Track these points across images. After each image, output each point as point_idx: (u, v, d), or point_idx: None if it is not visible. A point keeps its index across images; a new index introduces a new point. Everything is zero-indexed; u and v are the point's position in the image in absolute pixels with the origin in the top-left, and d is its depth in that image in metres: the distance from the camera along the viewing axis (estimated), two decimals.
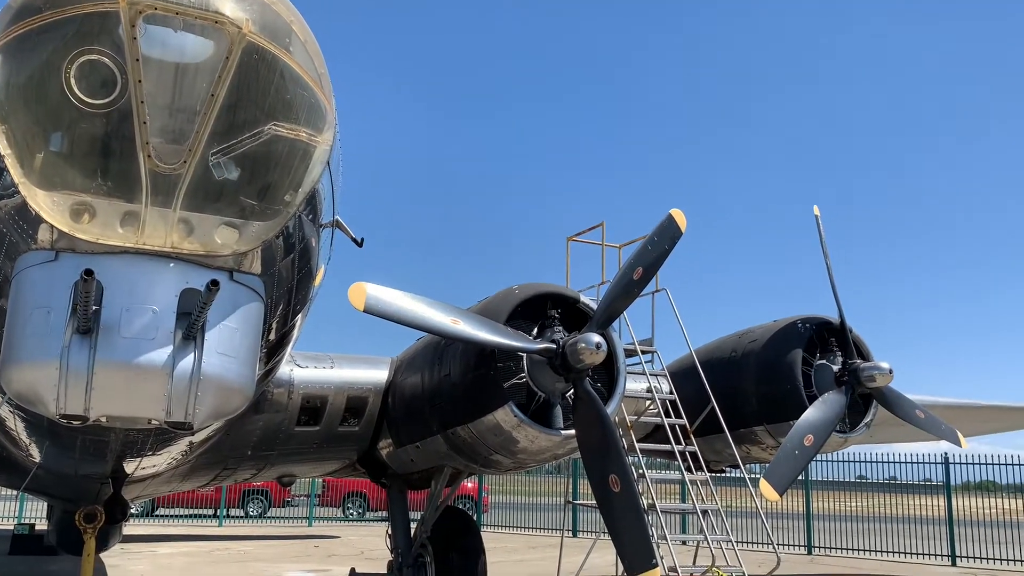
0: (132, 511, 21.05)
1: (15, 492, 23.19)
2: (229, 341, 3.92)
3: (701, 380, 9.39)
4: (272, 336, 5.12)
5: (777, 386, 9.19)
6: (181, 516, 26.74)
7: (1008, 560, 19.74)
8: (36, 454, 6.73)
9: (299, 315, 5.28)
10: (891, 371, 8.83)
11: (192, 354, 3.71)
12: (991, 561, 19.87)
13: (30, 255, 3.67)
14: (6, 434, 6.60)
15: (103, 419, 3.85)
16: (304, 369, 8.68)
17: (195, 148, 3.84)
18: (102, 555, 11.64)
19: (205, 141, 3.84)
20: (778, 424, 9.21)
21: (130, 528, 20.85)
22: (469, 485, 28.19)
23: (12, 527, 18.91)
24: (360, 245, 5.22)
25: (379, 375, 9.08)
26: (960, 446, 9.65)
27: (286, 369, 8.45)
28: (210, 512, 27.02)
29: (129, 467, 6.77)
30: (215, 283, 3.55)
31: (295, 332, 5.56)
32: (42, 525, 17.92)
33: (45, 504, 17.78)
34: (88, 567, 5.62)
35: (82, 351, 3.48)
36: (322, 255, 4.99)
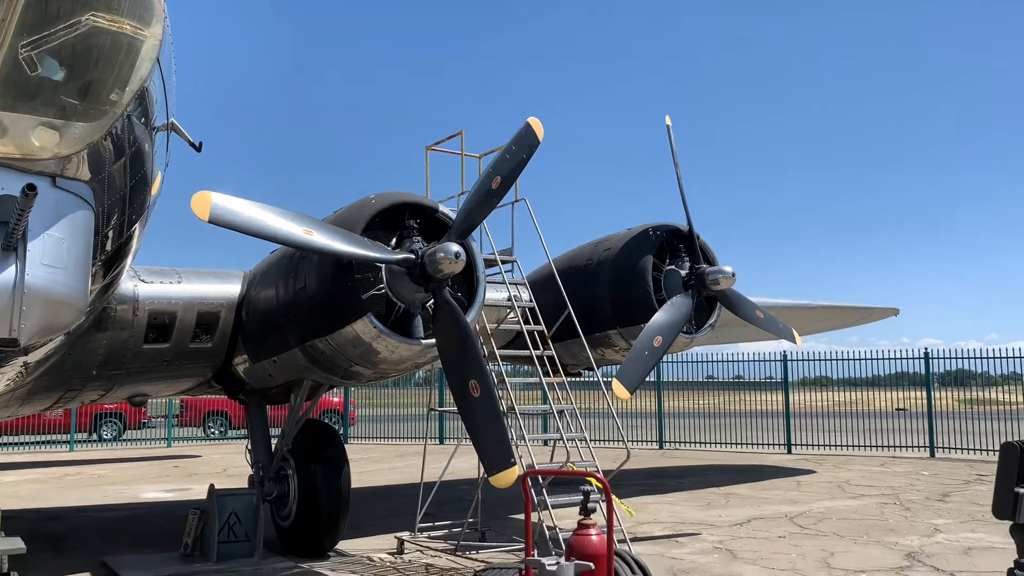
0: None
1: None
2: (55, 252, 3.65)
3: (559, 288, 9.61)
4: (108, 247, 4.83)
5: (629, 291, 9.56)
6: (27, 443, 25.39)
7: (835, 445, 21.79)
8: None
9: (136, 225, 4.98)
10: (733, 274, 9.34)
11: (13, 265, 3.44)
12: (822, 447, 21.86)
13: None
14: None
15: None
16: (149, 284, 8.27)
17: (2, 40, 3.48)
18: None
19: (13, 32, 3.48)
20: (630, 327, 9.61)
21: None
22: (335, 399, 28.14)
23: None
24: (199, 150, 4.94)
25: (231, 289, 8.78)
26: (796, 343, 10.40)
27: (129, 284, 8.04)
28: (60, 438, 25.78)
29: None
30: (32, 188, 3.27)
31: (134, 244, 5.26)
32: None
33: None
34: None
35: None
36: (158, 161, 4.70)
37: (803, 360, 22.84)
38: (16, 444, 25.32)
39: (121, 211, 4.59)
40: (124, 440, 27.50)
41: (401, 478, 16.53)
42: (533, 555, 3.56)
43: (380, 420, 28.13)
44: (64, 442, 25.51)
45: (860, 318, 18.12)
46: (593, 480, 4.09)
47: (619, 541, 3.92)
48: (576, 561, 3.45)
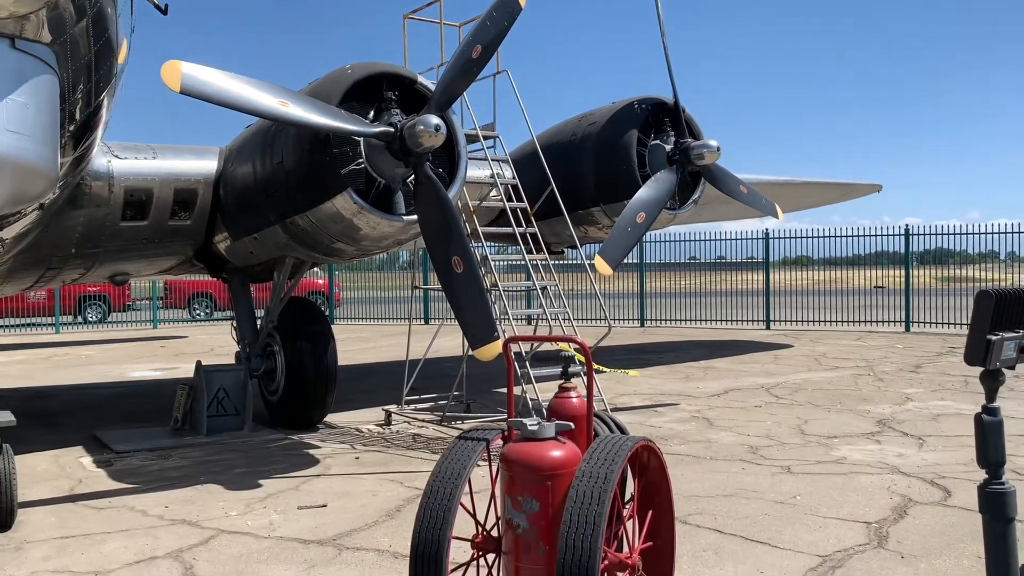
0: None
1: None
2: (20, 118, 3.53)
3: (542, 165, 9.50)
4: (76, 117, 4.68)
5: (613, 167, 9.47)
6: (12, 326, 25.48)
7: (813, 321, 22.25)
8: None
9: (104, 94, 4.81)
10: (718, 148, 9.25)
11: None
12: (799, 323, 22.33)
13: None
14: None
15: None
16: (124, 160, 8.09)
17: None
18: None
19: None
20: (613, 204, 9.58)
21: None
22: (320, 281, 28.23)
23: None
24: (164, 12, 4.72)
25: (207, 165, 8.61)
26: (778, 218, 10.42)
27: (103, 160, 7.86)
28: (45, 320, 25.86)
29: None
30: None
31: (102, 114, 5.10)
32: None
33: None
34: None
35: None
36: (122, 25, 4.49)
37: (784, 238, 22.99)
38: (2, 327, 25.40)
39: (87, 78, 4.42)
40: (109, 322, 27.62)
41: (387, 356, 16.80)
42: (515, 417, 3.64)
43: (365, 302, 28.33)
44: (49, 324, 25.60)
45: (843, 194, 18.14)
46: (568, 348, 4.16)
47: (599, 409, 4.05)
48: (557, 421, 3.52)
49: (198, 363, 9.32)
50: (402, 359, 10.62)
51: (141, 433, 9.03)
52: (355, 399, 11.15)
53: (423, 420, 9.45)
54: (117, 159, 8.03)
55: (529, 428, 3.45)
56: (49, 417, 10.43)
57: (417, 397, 10.10)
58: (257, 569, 4.91)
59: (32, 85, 3.61)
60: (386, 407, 9.79)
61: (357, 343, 19.88)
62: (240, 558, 5.10)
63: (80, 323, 27.06)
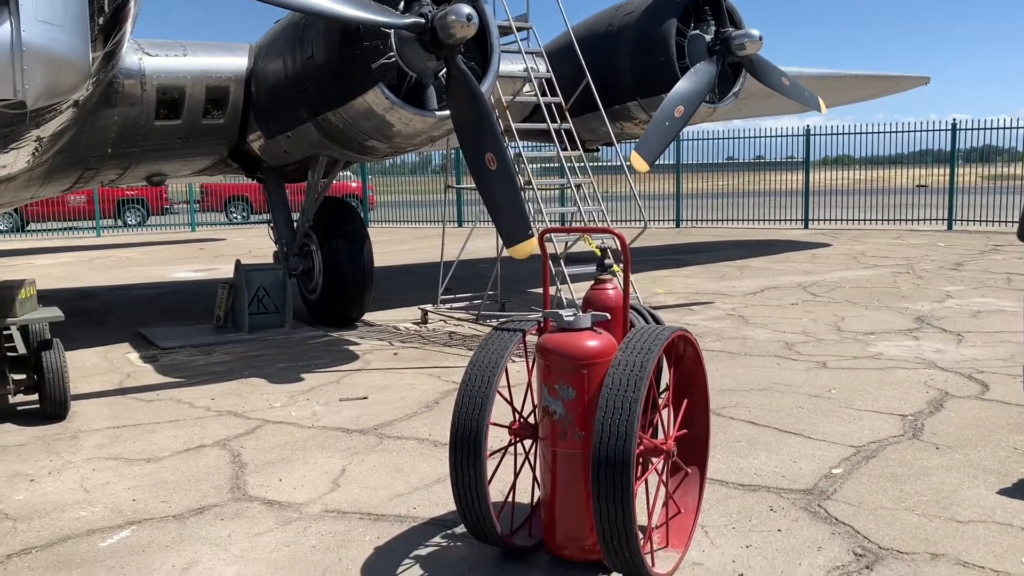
0: None
1: None
2: (49, 7, 3.48)
3: (577, 58, 9.24)
4: (105, 9, 4.61)
5: (651, 59, 9.18)
6: (55, 229, 25.99)
7: (850, 220, 21.89)
8: None
9: None
10: (761, 38, 8.90)
11: (8, 22, 3.30)
12: (838, 222, 21.97)
13: None
14: None
15: None
16: (154, 58, 8.02)
17: None
18: None
19: None
20: (651, 98, 9.33)
21: (0, 245, 20.23)
22: (354, 184, 28.23)
23: None
24: None
25: (238, 62, 8.50)
26: (820, 111, 10.10)
27: (134, 58, 7.80)
28: (86, 224, 26.32)
29: None
30: None
31: (131, 7, 5.01)
32: None
33: None
34: None
35: None
36: None
37: (826, 135, 22.38)
38: (44, 231, 25.92)
39: None
40: (148, 226, 28.04)
41: (422, 258, 16.90)
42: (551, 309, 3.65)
43: (399, 205, 28.34)
44: (90, 228, 26.06)
45: (888, 87, 17.48)
46: (594, 246, 4.11)
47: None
48: (592, 312, 3.53)
49: (238, 262, 9.45)
50: (436, 260, 10.67)
51: (185, 330, 9.27)
52: (391, 299, 11.28)
53: (458, 319, 9.56)
54: (148, 56, 7.96)
55: (565, 319, 3.47)
56: (94, 316, 10.72)
57: (452, 297, 10.19)
58: (302, 456, 5.08)
59: None
60: (422, 306, 9.90)
61: (391, 245, 20.00)
62: (285, 446, 5.28)
63: (120, 226, 27.49)
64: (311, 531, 3.99)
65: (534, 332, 3.70)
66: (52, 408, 5.92)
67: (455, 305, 10.04)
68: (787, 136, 22.81)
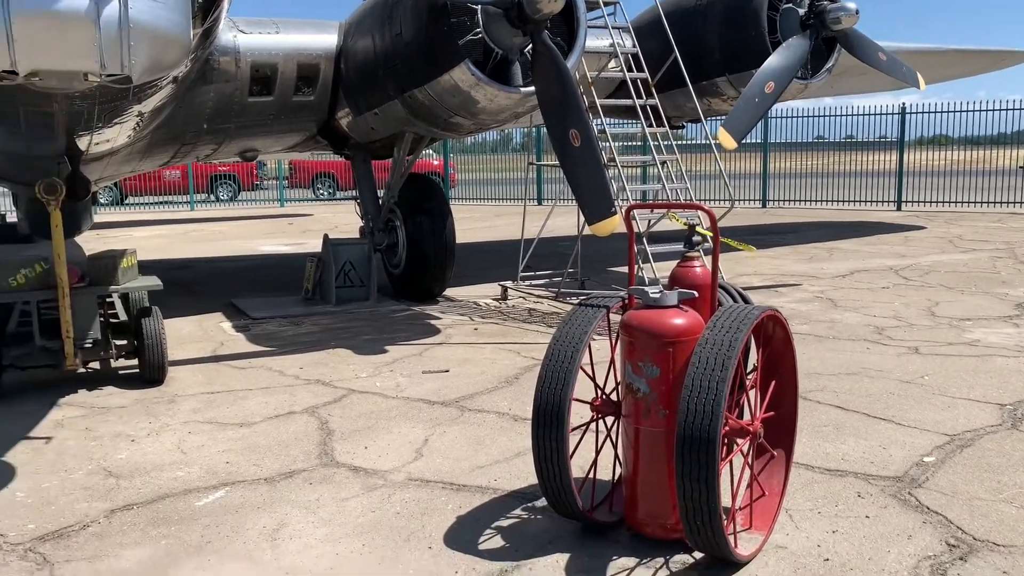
0: (100, 199, 21.16)
1: None
2: None
3: (664, 33, 9.08)
4: None
5: (741, 33, 8.94)
6: (151, 203, 27.05)
7: (946, 202, 20.99)
8: None
9: None
10: (857, 12, 8.56)
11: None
12: (933, 204, 21.10)
13: None
14: None
15: (36, 78, 3.66)
16: (249, 35, 8.23)
17: None
18: (78, 240, 11.88)
19: None
20: (740, 74, 9.11)
21: (101, 217, 21.18)
22: (435, 162, 28.50)
23: None
24: None
25: (328, 40, 8.66)
26: (919, 87, 9.68)
27: (229, 35, 8.02)
28: (181, 199, 27.32)
29: (82, 143, 6.62)
30: None
31: None
32: (12, 217, 18.12)
33: (10, 197, 17.83)
34: (58, 237, 5.70)
35: None
36: None
37: (923, 113, 21.46)
38: (141, 204, 27.02)
39: None
40: (239, 201, 28.93)
41: (502, 235, 16.97)
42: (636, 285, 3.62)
43: (479, 183, 28.48)
44: (184, 202, 27.05)
45: (991, 63, 16.59)
46: (680, 221, 4.03)
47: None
48: (679, 289, 3.49)
49: (326, 237, 9.68)
50: (516, 238, 10.70)
51: (275, 302, 9.56)
52: (472, 275, 11.38)
53: (538, 296, 9.58)
54: (242, 34, 8.17)
55: (651, 296, 3.44)
56: (190, 286, 11.15)
57: (532, 274, 10.21)
58: (387, 425, 5.20)
59: None
60: (502, 283, 9.95)
61: (471, 223, 20.14)
62: (370, 415, 5.41)
63: (212, 201, 28.46)
64: (395, 498, 4.09)
65: (618, 309, 3.69)
66: (151, 373, 6.20)
67: (535, 282, 10.07)
68: (880, 114, 21.99)
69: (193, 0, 4.51)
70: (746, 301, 3.91)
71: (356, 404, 5.66)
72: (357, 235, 10.66)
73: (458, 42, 6.89)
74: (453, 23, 6.89)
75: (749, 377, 3.62)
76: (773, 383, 3.63)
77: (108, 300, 6.59)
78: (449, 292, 9.99)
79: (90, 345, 6.12)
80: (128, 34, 3.45)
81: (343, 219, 20.29)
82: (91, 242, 15.89)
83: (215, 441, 4.98)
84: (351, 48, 8.45)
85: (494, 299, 9.67)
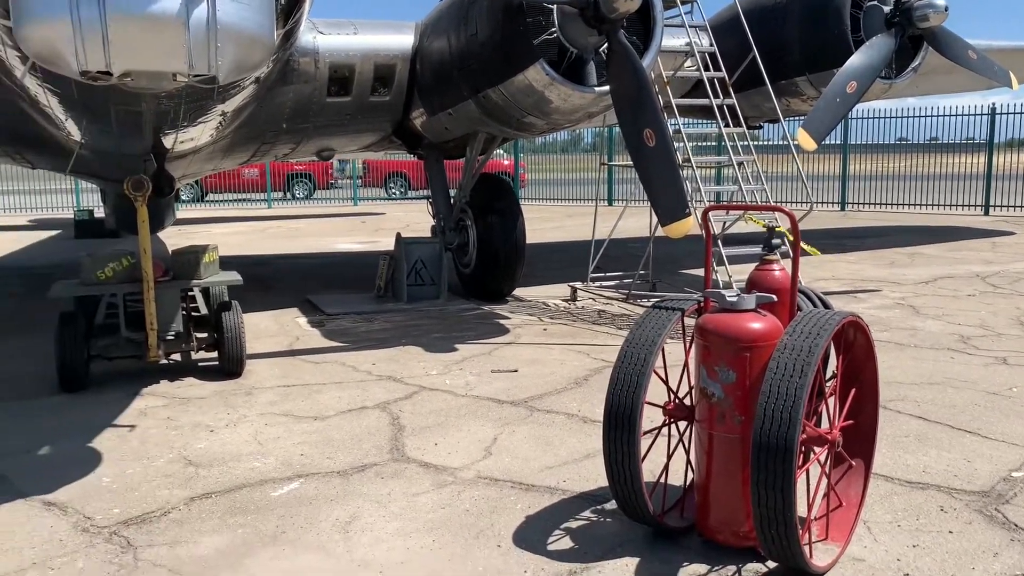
0: (182, 195, 21.87)
1: (71, 184, 24.15)
2: None
3: (742, 32, 8.91)
4: None
5: (822, 32, 8.72)
6: (231, 200, 27.83)
7: None
8: (75, 132, 6.82)
9: None
10: (946, 8, 8.25)
11: (205, 1, 3.54)
12: (1023, 208, 20.21)
13: None
14: (42, 113, 6.64)
15: (128, 78, 3.79)
16: (327, 36, 8.39)
17: None
18: (161, 235, 12.31)
19: None
20: (821, 73, 8.89)
21: (182, 213, 21.86)
22: (506, 162, 28.58)
23: (73, 215, 19.94)
24: None
25: (404, 40, 8.77)
26: (1012, 87, 9.29)
27: (309, 37, 8.19)
28: (258, 196, 28.04)
29: (168, 141, 6.85)
30: None
31: None
32: (99, 213, 18.90)
33: (99, 192, 18.60)
34: (145, 232, 5.91)
35: (91, 1, 3.34)
36: None
37: (1015, 114, 20.55)
38: (220, 201, 27.82)
39: None
40: (314, 199, 29.54)
41: (572, 235, 16.92)
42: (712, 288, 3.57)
43: (549, 183, 28.45)
44: (262, 200, 27.74)
45: None
46: (757, 221, 3.94)
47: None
48: (757, 293, 3.42)
49: (398, 235, 9.80)
50: (586, 239, 10.65)
51: (348, 298, 9.72)
52: (541, 275, 11.38)
53: (608, 297, 9.52)
54: (322, 35, 8.34)
55: (728, 299, 3.38)
56: (266, 281, 11.43)
57: (602, 275, 10.15)
58: (456, 423, 5.23)
59: None
60: (571, 284, 9.92)
61: (541, 223, 20.12)
62: (440, 412, 5.45)
63: (288, 199, 29.12)
64: (465, 495, 4.11)
65: (693, 312, 3.63)
66: (230, 365, 6.37)
67: (605, 284, 10.00)
68: (968, 115, 21.14)
69: (276, 2, 4.61)
70: (826, 306, 3.81)
71: (426, 401, 5.72)
72: (429, 234, 10.77)
73: (533, 42, 6.89)
74: (528, 23, 6.89)
75: (828, 384, 3.52)
76: (853, 391, 3.53)
77: (190, 294, 6.80)
78: (518, 292, 10.00)
79: (172, 337, 6.33)
80: (215, 36, 3.55)
81: (415, 218, 20.53)
82: (173, 237, 16.44)
83: (290, 433, 5.09)
84: (426, 48, 8.53)
85: (563, 300, 9.64)
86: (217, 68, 3.68)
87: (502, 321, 8.48)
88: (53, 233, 19.52)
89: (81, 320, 6.10)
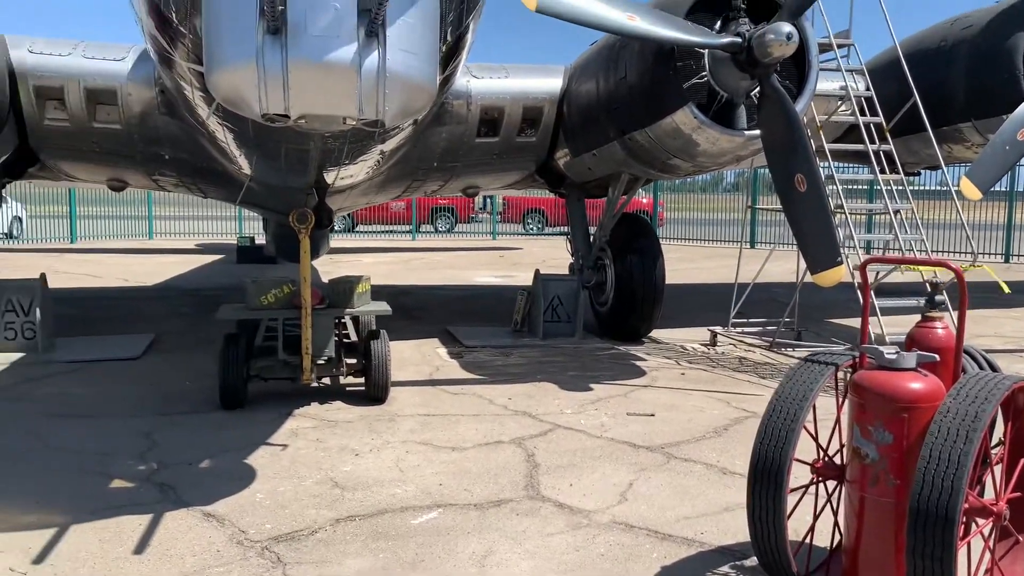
0: (335, 226, 23.03)
1: (234, 212, 25.90)
2: (409, 37, 3.91)
3: (902, 75, 8.59)
4: (448, 39, 5.08)
5: (991, 76, 8.29)
6: (378, 232, 29.03)
7: None
8: (247, 167, 7.35)
9: (472, 17, 5.16)
10: None
11: (376, 51, 3.75)
12: None
13: None
14: (219, 149, 7.21)
15: (302, 120, 4.07)
16: (480, 80, 8.69)
17: None
18: (314, 263, 12.99)
19: None
20: (987, 119, 8.45)
21: (335, 243, 22.95)
22: (644, 200, 28.44)
23: (236, 241, 21.35)
24: None
25: (553, 84, 8.96)
26: None
27: (463, 80, 8.51)
28: (403, 228, 29.12)
29: (329, 177, 7.27)
30: None
31: (469, 37, 5.47)
32: (259, 240, 20.15)
33: (260, 221, 19.84)
34: (305, 262, 6.27)
35: (275, 51, 3.60)
36: None
37: None
38: (369, 232, 29.06)
39: (458, 2, 4.77)
40: (455, 232, 30.38)
41: (711, 277, 16.61)
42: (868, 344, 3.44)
43: (688, 223, 28.07)
44: (407, 232, 28.78)
45: None
46: (912, 269, 3.76)
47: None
48: (919, 352, 3.27)
49: (537, 272, 9.94)
50: (726, 281, 10.45)
51: (486, 331, 9.92)
52: (679, 317, 11.22)
53: (750, 344, 9.28)
54: (475, 79, 8.65)
55: (886, 356, 3.25)
56: (409, 311, 11.82)
57: (744, 320, 9.91)
58: (591, 464, 5.23)
59: (419, 7, 3.96)
60: (711, 328, 9.74)
61: (679, 263, 19.86)
62: (575, 452, 5.46)
63: (431, 231, 30.08)
64: (600, 539, 4.10)
65: (847, 367, 3.51)
66: (375, 392, 6.63)
67: (747, 329, 9.76)
68: None
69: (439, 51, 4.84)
70: (993, 368, 3.60)
71: (561, 440, 5.75)
72: (566, 271, 10.86)
73: (682, 85, 6.90)
74: (678, 66, 6.91)
75: (994, 452, 3.31)
76: (1022, 461, 3.30)
77: (342, 321, 7.14)
78: (655, 333, 9.91)
79: (324, 362, 6.65)
80: (384, 83, 3.77)
81: (551, 253, 20.73)
82: (326, 266, 17.32)
83: (430, 462, 5.23)
84: (574, 91, 8.69)
85: (702, 344, 9.47)
86: (384, 113, 3.90)
87: (638, 363, 8.42)
88: (217, 257, 20.95)
89: (243, 342, 6.52)
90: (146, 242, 26.04)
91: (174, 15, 4.37)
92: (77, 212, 25.36)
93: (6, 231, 24.19)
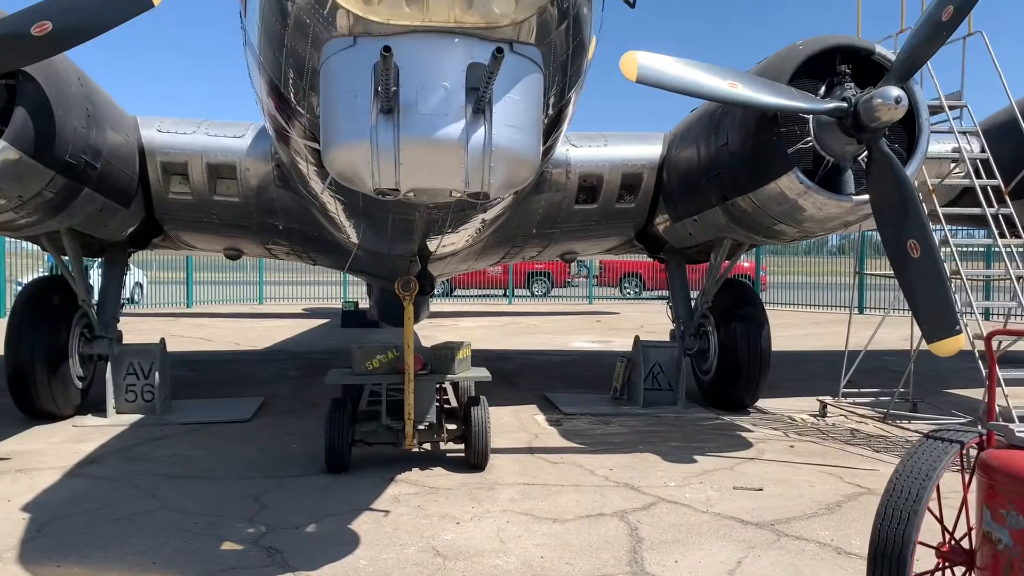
0: (434, 291, 23.44)
1: (339, 278, 26.76)
2: (514, 113, 4.02)
3: (1020, 135, 8.25)
4: (550, 111, 5.19)
5: None
6: (475, 296, 29.44)
7: None
8: (355, 236, 7.62)
9: (573, 90, 5.26)
10: None
11: (483, 127, 3.87)
12: None
13: (333, 43, 3.95)
14: (329, 219, 7.51)
15: (411, 194, 4.21)
16: (579, 148, 8.81)
17: None
18: (415, 327, 13.23)
19: None
20: None
21: (434, 307, 23.38)
22: (746, 264, 27.94)
23: (340, 305, 22.01)
24: (632, 6, 5.00)
25: (652, 151, 9.00)
26: None
27: (562, 149, 8.65)
28: (499, 292, 29.44)
29: (432, 245, 7.46)
30: (500, 51, 3.60)
31: (570, 109, 5.58)
32: (363, 304, 20.70)
33: (364, 285, 20.41)
34: (409, 328, 6.40)
35: (387, 129, 3.76)
36: (594, 24, 4.87)
37: None
38: (466, 296, 29.51)
39: (562, 76, 4.87)
40: (551, 296, 30.50)
41: (819, 344, 16.08)
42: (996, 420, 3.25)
43: (792, 288, 27.38)
44: (503, 296, 29.08)
45: None
46: None
47: None
48: None
49: (636, 338, 9.84)
50: (834, 348, 10.10)
51: (584, 398, 9.84)
52: (786, 386, 10.87)
53: (862, 415, 8.89)
54: (574, 147, 8.77)
55: (1017, 434, 3.06)
56: (508, 376, 11.85)
57: (856, 390, 9.51)
58: (697, 540, 5.06)
59: (524, 83, 4.08)
60: (821, 398, 9.38)
61: (784, 329, 19.30)
62: (680, 527, 5.30)
63: (527, 296, 30.30)
64: None
65: (974, 445, 3.31)
66: (475, 459, 6.63)
67: (859, 400, 9.36)
68: None
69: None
70: None
71: (665, 514, 5.59)
72: (665, 337, 10.71)
73: (787, 151, 6.81)
74: (782, 132, 6.84)
75: None
76: None
77: (442, 386, 7.21)
78: (761, 403, 9.61)
79: (425, 427, 6.72)
80: (490, 158, 3.87)
81: (649, 319, 20.51)
82: (425, 329, 17.61)
83: (530, 533, 5.17)
84: (674, 157, 8.69)
85: (811, 415, 9.12)
86: (489, 186, 3.99)
87: (744, 434, 8.17)
88: (323, 321, 21.64)
89: (348, 406, 6.65)
90: (256, 306, 27.15)
91: (292, 96, 4.62)
92: (193, 278, 26.73)
93: (128, 296, 25.67)
